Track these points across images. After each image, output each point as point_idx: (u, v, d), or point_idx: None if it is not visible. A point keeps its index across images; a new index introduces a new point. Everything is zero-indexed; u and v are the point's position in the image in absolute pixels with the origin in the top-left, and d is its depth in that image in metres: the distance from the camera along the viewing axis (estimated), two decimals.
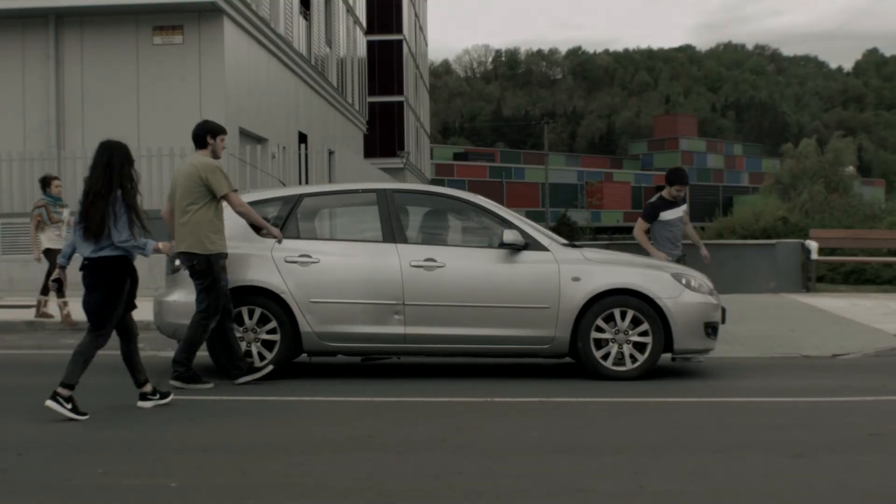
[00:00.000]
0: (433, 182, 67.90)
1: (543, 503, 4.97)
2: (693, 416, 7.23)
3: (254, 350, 8.71)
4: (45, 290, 13.12)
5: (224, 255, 8.35)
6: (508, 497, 5.04)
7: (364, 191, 9.30)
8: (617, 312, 8.66)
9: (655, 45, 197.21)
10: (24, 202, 18.17)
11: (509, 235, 8.71)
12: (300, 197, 9.18)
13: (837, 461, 5.83)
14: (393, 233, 8.84)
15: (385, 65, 47.65)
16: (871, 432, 6.64)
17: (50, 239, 13.15)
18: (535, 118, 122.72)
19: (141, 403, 7.53)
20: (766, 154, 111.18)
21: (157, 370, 9.52)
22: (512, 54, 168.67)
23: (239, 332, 8.68)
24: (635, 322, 8.66)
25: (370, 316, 8.67)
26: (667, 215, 10.57)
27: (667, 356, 8.99)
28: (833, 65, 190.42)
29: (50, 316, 13.09)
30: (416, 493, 5.11)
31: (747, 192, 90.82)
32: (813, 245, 18.88)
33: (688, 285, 8.81)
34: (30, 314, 13.55)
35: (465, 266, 8.75)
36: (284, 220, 8.95)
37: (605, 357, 8.67)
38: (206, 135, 8.70)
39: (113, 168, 7.22)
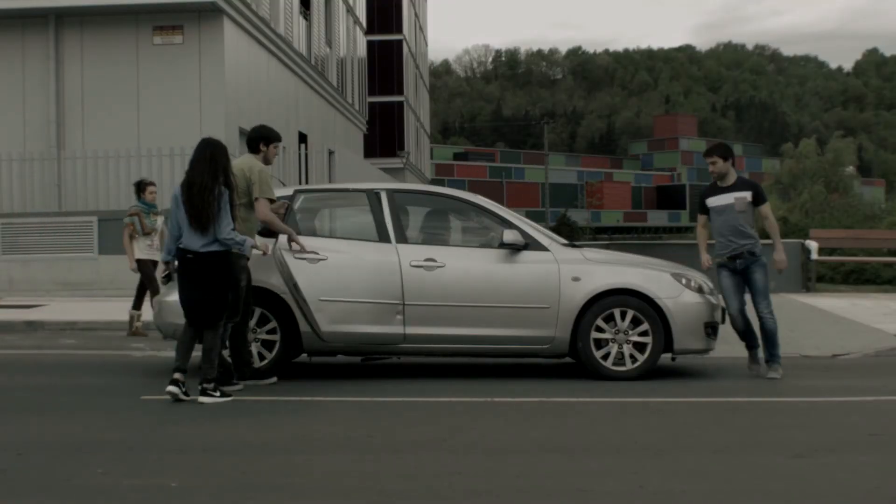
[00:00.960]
0: (433, 182, 67.92)
1: (543, 503, 4.97)
2: (693, 416, 7.23)
3: (254, 350, 8.71)
4: (137, 305, 12.28)
5: (245, 257, 8.26)
6: (508, 497, 5.04)
7: (362, 190, 9.24)
8: (617, 312, 8.66)
9: (655, 45, 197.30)
10: (24, 202, 18.18)
11: (509, 235, 8.71)
12: (297, 195, 9.17)
13: (837, 461, 5.83)
14: (393, 232, 8.84)
15: (385, 65, 47.65)
16: (871, 432, 6.64)
17: (141, 249, 12.11)
18: (535, 118, 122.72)
19: (203, 399, 7.66)
20: (766, 154, 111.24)
21: (157, 370, 9.53)
22: (512, 54, 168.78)
23: None
24: (635, 322, 8.66)
25: (370, 315, 8.65)
26: (713, 202, 9.31)
27: (667, 356, 8.98)
28: (833, 65, 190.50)
29: (143, 334, 12.08)
30: (416, 493, 5.11)
31: None
32: (813, 245, 18.89)
33: (688, 285, 8.81)
34: (29, 313, 13.55)
35: (465, 266, 8.74)
36: (283, 218, 8.93)
37: (605, 357, 8.66)
38: (260, 141, 8.66)
39: (217, 163, 7.65)
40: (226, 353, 8.38)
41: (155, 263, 11.84)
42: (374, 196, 9.02)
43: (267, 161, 8.69)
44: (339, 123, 31.84)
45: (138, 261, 12.09)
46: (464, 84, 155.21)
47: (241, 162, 8.57)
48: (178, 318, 8.85)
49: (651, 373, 8.71)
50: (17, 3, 18.56)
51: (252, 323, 8.70)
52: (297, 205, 9.06)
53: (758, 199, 9.14)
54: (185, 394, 7.63)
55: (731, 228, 9.01)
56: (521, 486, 5.23)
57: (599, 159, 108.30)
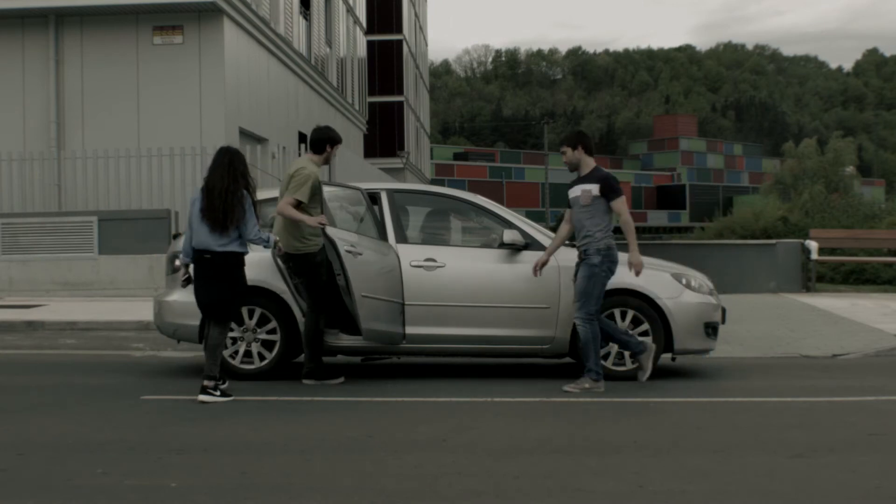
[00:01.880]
0: (433, 182, 67.91)
1: (543, 503, 4.97)
2: (693, 416, 7.23)
3: (254, 350, 8.71)
4: None
5: (314, 254, 8.30)
6: (508, 497, 5.04)
7: (363, 191, 9.21)
8: (617, 312, 8.66)
9: (655, 45, 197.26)
10: (24, 202, 18.19)
11: (509, 235, 8.71)
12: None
13: (837, 461, 5.83)
14: (393, 233, 8.84)
15: (385, 65, 47.66)
16: (871, 432, 6.65)
17: None
18: (535, 118, 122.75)
19: (202, 397, 7.72)
20: (766, 154, 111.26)
21: (157, 370, 9.53)
22: (512, 54, 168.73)
23: (238, 332, 8.68)
24: (635, 322, 8.66)
25: (390, 314, 8.62)
26: (570, 194, 8.62)
27: (667, 356, 8.98)
28: (833, 65, 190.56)
29: None
30: (416, 493, 5.11)
31: (747, 192, 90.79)
32: (813, 245, 18.88)
33: (688, 285, 8.81)
34: (29, 313, 13.55)
35: (465, 266, 8.74)
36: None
37: (606, 357, 8.66)
38: (326, 142, 8.63)
39: (236, 168, 7.85)
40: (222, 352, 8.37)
41: None
42: (376, 196, 9.02)
43: (326, 161, 8.68)
44: (339, 123, 31.84)
45: None
46: (464, 84, 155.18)
47: (296, 164, 8.57)
48: (178, 317, 8.87)
49: (651, 373, 8.71)
50: (17, 3, 18.56)
51: (252, 323, 8.70)
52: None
53: (606, 193, 8.39)
54: (225, 393, 7.81)
55: (578, 223, 8.46)
56: (521, 486, 5.23)
57: (599, 159, 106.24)
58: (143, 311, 13.70)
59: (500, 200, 11.83)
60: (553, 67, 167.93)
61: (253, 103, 20.83)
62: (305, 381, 8.47)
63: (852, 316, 13.69)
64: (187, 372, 9.36)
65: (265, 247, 8.07)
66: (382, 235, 8.84)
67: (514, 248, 8.73)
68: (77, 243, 16.42)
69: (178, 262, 8.70)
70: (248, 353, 8.71)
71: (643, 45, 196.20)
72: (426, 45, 63.93)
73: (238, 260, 7.86)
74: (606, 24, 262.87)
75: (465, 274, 8.70)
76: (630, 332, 8.64)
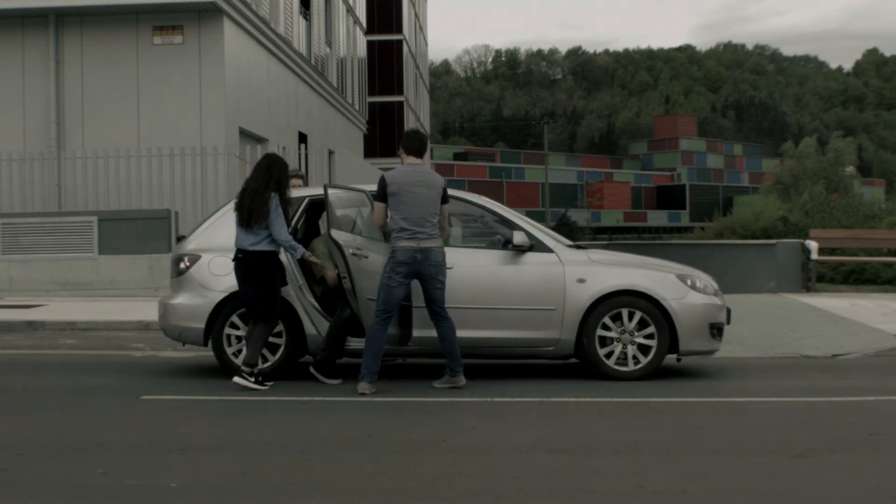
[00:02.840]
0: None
1: (543, 503, 4.97)
2: (693, 416, 7.23)
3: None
4: None
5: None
6: (508, 497, 5.04)
7: (367, 192, 9.17)
8: (622, 314, 8.64)
9: (655, 45, 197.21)
10: (24, 202, 18.19)
11: (515, 237, 8.68)
12: (304, 198, 9.15)
13: (837, 461, 5.83)
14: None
15: (385, 65, 47.66)
16: (871, 432, 6.65)
17: None
18: (535, 118, 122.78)
19: (236, 379, 8.18)
20: (766, 154, 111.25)
21: (157, 370, 9.53)
22: (512, 54, 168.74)
23: (244, 333, 8.68)
24: (641, 323, 8.64)
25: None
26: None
27: (672, 357, 8.98)
28: (833, 65, 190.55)
29: None
30: (416, 493, 5.11)
31: (747, 192, 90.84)
32: (813, 245, 18.87)
33: (693, 286, 8.80)
34: (29, 313, 13.56)
35: (471, 268, 8.72)
36: (290, 221, 8.92)
37: (611, 358, 8.65)
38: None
39: (272, 172, 8.29)
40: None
41: None
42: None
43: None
44: (339, 123, 31.85)
45: None
46: (464, 84, 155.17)
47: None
48: (183, 320, 8.86)
49: (655, 373, 8.71)
50: (17, 3, 18.56)
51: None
52: (305, 209, 9.06)
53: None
54: (260, 381, 8.19)
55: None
56: (521, 486, 5.23)
57: (599, 159, 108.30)
58: (143, 311, 13.70)
59: (500, 200, 11.82)
60: (553, 67, 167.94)
61: (253, 103, 20.83)
62: (312, 370, 8.55)
63: (852, 316, 13.69)
64: (187, 372, 9.36)
65: (293, 254, 8.40)
66: (388, 238, 8.82)
67: (520, 250, 8.70)
68: (77, 243, 16.41)
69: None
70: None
71: (643, 45, 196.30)
72: (426, 45, 63.93)
73: (267, 258, 8.21)
74: (606, 24, 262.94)
75: (471, 275, 8.67)
76: (635, 333, 8.63)
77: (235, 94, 19.43)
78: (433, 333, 8.46)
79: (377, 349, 8.07)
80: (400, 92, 48.51)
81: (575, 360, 9.03)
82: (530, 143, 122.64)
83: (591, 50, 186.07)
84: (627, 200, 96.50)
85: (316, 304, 8.68)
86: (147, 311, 13.67)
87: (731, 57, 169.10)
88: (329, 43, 29.93)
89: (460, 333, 8.54)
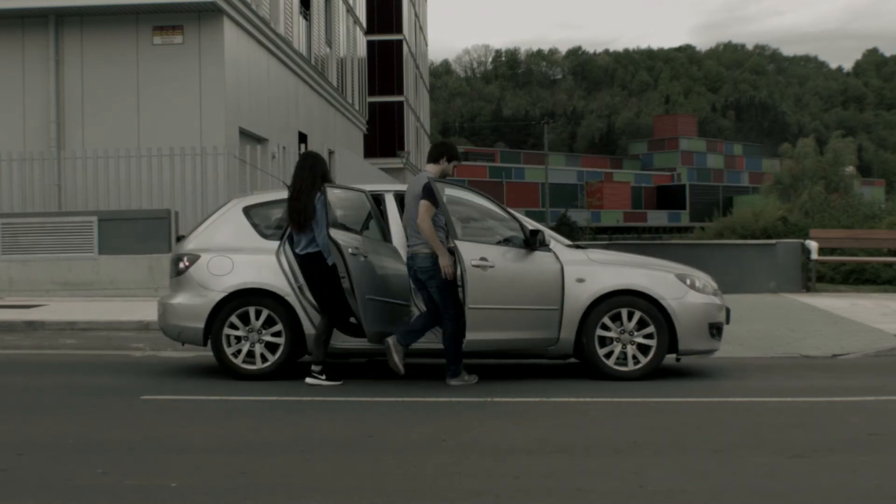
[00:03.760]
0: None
1: (543, 503, 4.97)
2: (693, 416, 7.23)
3: (257, 350, 8.70)
4: None
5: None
6: (508, 497, 5.04)
7: (370, 192, 9.17)
8: (622, 313, 8.63)
9: (655, 45, 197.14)
10: (24, 202, 18.19)
11: (521, 236, 8.65)
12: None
13: (837, 461, 5.83)
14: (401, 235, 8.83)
15: (385, 65, 47.67)
16: (871, 432, 6.64)
17: None
18: (535, 118, 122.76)
19: (309, 380, 8.45)
20: (766, 154, 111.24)
21: (157, 370, 9.53)
22: (512, 54, 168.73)
23: (243, 332, 8.68)
24: (640, 323, 8.63)
25: (392, 316, 8.61)
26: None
27: (671, 356, 8.98)
28: (833, 65, 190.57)
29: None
30: (416, 493, 5.11)
31: (747, 192, 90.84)
32: (813, 245, 18.87)
33: (692, 286, 8.79)
34: (29, 313, 13.55)
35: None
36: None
37: (611, 358, 8.65)
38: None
39: (315, 170, 8.47)
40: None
41: None
42: (379, 198, 9.02)
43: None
44: (339, 123, 31.85)
45: None
46: (464, 84, 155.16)
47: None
48: (182, 320, 8.86)
49: (654, 373, 8.71)
50: (17, 3, 18.56)
51: (258, 324, 8.69)
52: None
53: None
54: (331, 378, 8.48)
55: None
56: (521, 486, 5.23)
57: (599, 159, 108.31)
58: (143, 311, 13.71)
59: (500, 200, 11.79)
60: (553, 67, 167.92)
61: (253, 103, 20.83)
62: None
63: (852, 316, 13.69)
64: (187, 372, 9.36)
65: (326, 258, 8.46)
66: (388, 238, 8.83)
67: (530, 249, 8.65)
68: (77, 243, 16.41)
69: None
70: (251, 354, 8.70)
71: (643, 45, 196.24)
72: (426, 45, 63.94)
73: (313, 260, 8.44)
74: (606, 24, 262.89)
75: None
76: (634, 333, 8.63)
77: (235, 94, 19.43)
78: (436, 334, 8.51)
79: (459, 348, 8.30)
80: (400, 92, 48.52)
81: (574, 359, 9.03)
82: (530, 143, 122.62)
83: (591, 50, 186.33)
84: (627, 200, 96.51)
85: (316, 304, 8.68)
86: (147, 311, 13.67)
87: (731, 57, 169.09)
88: (329, 43, 29.93)
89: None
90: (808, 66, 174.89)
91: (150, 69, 18.63)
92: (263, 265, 8.73)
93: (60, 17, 18.81)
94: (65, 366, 9.95)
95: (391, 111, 47.89)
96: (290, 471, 5.57)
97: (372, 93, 43.50)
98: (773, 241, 21.56)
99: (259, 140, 21.16)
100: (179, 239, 9.58)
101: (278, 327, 8.68)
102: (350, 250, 8.26)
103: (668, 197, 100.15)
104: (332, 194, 8.64)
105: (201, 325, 8.73)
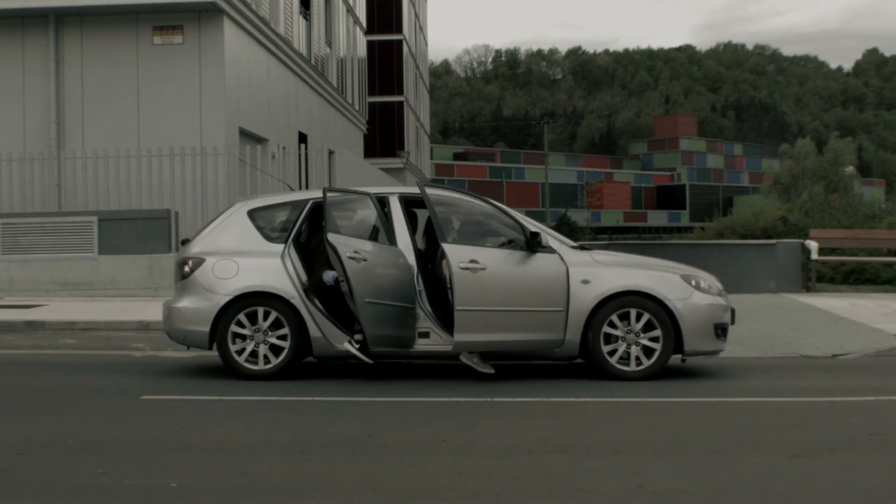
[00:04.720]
0: (433, 182, 67.87)
1: (543, 503, 4.97)
2: (693, 416, 7.23)
3: (261, 351, 8.71)
4: None
5: None
6: (508, 497, 5.04)
7: (375, 195, 9.16)
8: (627, 314, 8.64)
9: (655, 45, 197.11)
10: (24, 202, 18.19)
11: (523, 239, 8.66)
12: (308, 202, 9.15)
13: (837, 461, 5.83)
14: (409, 237, 8.85)
15: (385, 65, 47.65)
16: (871, 432, 6.65)
17: None
18: (535, 118, 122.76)
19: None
20: (766, 154, 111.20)
21: (157, 370, 9.53)
22: (512, 54, 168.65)
23: (248, 332, 8.69)
24: (645, 324, 8.65)
25: (397, 319, 8.61)
26: None
27: (677, 357, 8.98)
28: (833, 65, 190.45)
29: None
30: (416, 493, 5.11)
31: (747, 192, 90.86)
32: (813, 245, 18.86)
33: (697, 287, 8.80)
34: (29, 313, 13.55)
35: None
36: (294, 224, 8.95)
37: (617, 359, 8.66)
38: None
39: None
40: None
41: None
42: (384, 201, 9.03)
43: None
44: (339, 123, 31.85)
45: None
46: (464, 84, 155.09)
47: None
48: (188, 323, 8.87)
49: (660, 373, 8.71)
50: (17, 3, 18.55)
51: (265, 325, 8.70)
52: (308, 212, 9.05)
53: None
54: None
55: None
56: (521, 486, 5.23)
57: (599, 159, 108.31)
58: (143, 311, 13.71)
59: (500, 200, 11.79)
60: (553, 67, 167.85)
61: (253, 103, 20.83)
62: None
63: (852, 316, 13.69)
64: (187, 372, 9.36)
65: None
66: (393, 241, 8.83)
67: (531, 251, 8.67)
68: (77, 243, 16.41)
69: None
70: (254, 354, 8.71)
71: (643, 45, 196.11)
72: (426, 45, 63.94)
73: None
74: (606, 24, 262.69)
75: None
76: (640, 334, 8.64)
77: (235, 94, 19.43)
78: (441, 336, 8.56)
79: None
80: (400, 92, 48.51)
81: (580, 360, 9.04)
82: (530, 143, 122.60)
83: (591, 50, 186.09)
84: (627, 200, 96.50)
85: (321, 308, 8.68)
86: (147, 311, 13.67)
87: (731, 57, 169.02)
88: (329, 43, 29.93)
89: (467, 336, 8.57)
90: (808, 66, 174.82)
91: (150, 69, 18.62)
92: (268, 268, 8.74)
93: (60, 17, 18.80)
94: (65, 366, 9.95)
95: (391, 111, 47.88)
96: (290, 471, 5.57)
97: (372, 93, 43.49)
98: (773, 241, 21.57)
99: (259, 140, 21.16)
100: (184, 242, 9.57)
101: (284, 330, 8.69)
102: (348, 254, 8.26)
103: (668, 197, 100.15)
104: (335, 197, 8.65)
105: (207, 328, 8.74)
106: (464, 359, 8.60)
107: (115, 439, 6.40)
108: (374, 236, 8.83)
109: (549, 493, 5.12)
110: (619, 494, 5.09)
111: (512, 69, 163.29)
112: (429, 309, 8.70)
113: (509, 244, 8.67)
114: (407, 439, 6.44)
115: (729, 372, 9.40)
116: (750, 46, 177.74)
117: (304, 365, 9.71)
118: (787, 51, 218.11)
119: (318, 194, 9.25)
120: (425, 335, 8.73)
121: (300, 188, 19.68)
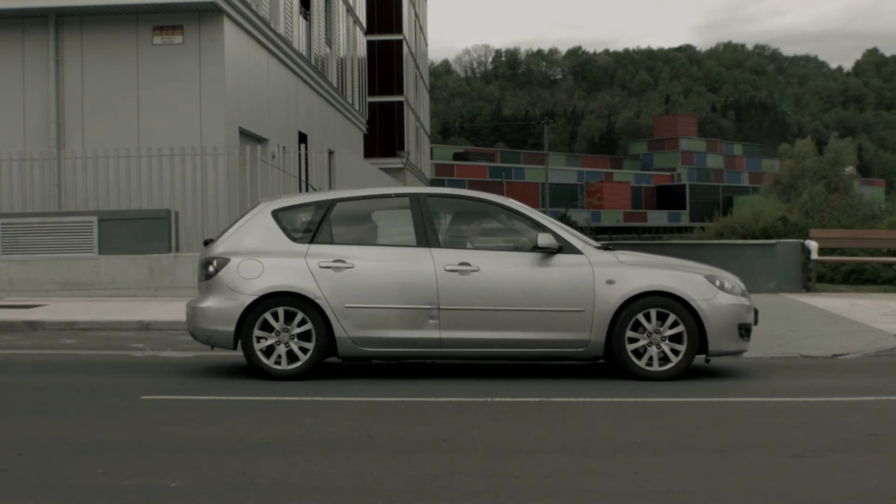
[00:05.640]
0: (433, 182, 67.98)
1: (543, 503, 4.97)
2: (693, 416, 7.23)
3: (286, 351, 8.70)
4: None
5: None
6: (508, 497, 5.04)
7: (397, 195, 9.27)
8: (652, 314, 8.66)
9: (655, 45, 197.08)
10: (24, 202, 18.18)
11: (544, 239, 8.71)
12: (333, 202, 9.19)
13: (837, 461, 5.83)
14: (427, 237, 8.86)
15: (385, 65, 47.67)
16: (871, 432, 6.65)
17: None
18: (535, 118, 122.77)
19: None
20: (766, 154, 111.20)
21: (157, 370, 9.54)
22: (512, 54, 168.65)
23: (273, 332, 8.71)
24: (670, 324, 8.67)
25: (405, 321, 8.68)
26: None
27: (700, 357, 8.98)
28: (833, 65, 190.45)
29: None
30: (416, 493, 5.11)
31: (747, 192, 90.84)
32: (813, 245, 18.86)
33: (721, 287, 8.82)
34: (29, 313, 13.55)
35: (499, 270, 8.75)
36: (318, 224, 8.97)
37: (641, 359, 8.67)
38: None
39: None
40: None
41: None
42: (408, 200, 9.07)
43: None
44: (339, 123, 31.85)
45: None
46: (464, 84, 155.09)
47: None
48: (212, 324, 8.87)
49: (685, 373, 8.72)
50: (17, 3, 18.55)
51: (290, 326, 8.71)
52: (333, 213, 9.08)
53: None
54: None
55: None
56: (521, 486, 5.23)
57: (599, 159, 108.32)
58: (143, 311, 13.71)
59: None
60: (553, 67, 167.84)
61: (253, 103, 20.83)
62: None
63: (852, 316, 13.69)
64: (187, 372, 9.36)
65: None
66: (417, 240, 8.85)
67: (548, 252, 8.73)
68: (77, 243, 16.41)
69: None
70: (279, 354, 8.72)
71: (643, 45, 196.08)
72: (426, 45, 63.94)
73: None
74: (606, 24, 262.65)
75: (500, 278, 8.72)
76: (665, 334, 8.66)
77: (235, 94, 19.43)
78: (463, 335, 8.65)
79: None
80: (400, 92, 48.52)
81: (602, 360, 9.08)
82: (530, 143, 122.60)
83: (591, 50, 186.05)
84: (627, 200, 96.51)
85: (352, 306, 8.70)
86: (147, 311, 13.68)
87: (731, 57, 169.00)
88: (329, 43, 29.93)
89: (489, 335, 8.65)
90: (808, 66, 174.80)
91: (150, 69, 18.62)
92: (293, 268, 8.75)
93: (60, 17, 18.80)
94: (65, 366, 9.95)
95: (391, 111, 47.90)
96: (290, 471, 5.57)
97: (372, 93, 43.50)
98: (773, 241, 21.56)
99: (259, 140, 21.16)
100: (206, 243, 9.57)
101: (309, 329, 8.70)
102: (321, 263, 8.60)
103: (668, 197, 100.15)
104: (355, 200, 8.86)
105: (232, 328, 8.74)
106: None
107: (115, 439, 6.40)
108: (396, 237, 8.90)
109: (549, 493, 5.12)
110: (619, 494, 5.09)
111: (512, 69, 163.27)
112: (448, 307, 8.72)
113: (535, 247, 8.74)
114: (407, 439, 6.44)
115: (729, 372, 9.40)
116: (750, 46, 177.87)
117: (332, 366, 9.71)
118: (787, 51, 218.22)
119: (342, 194, 9.44)
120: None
121: (301, 188, 19.68)
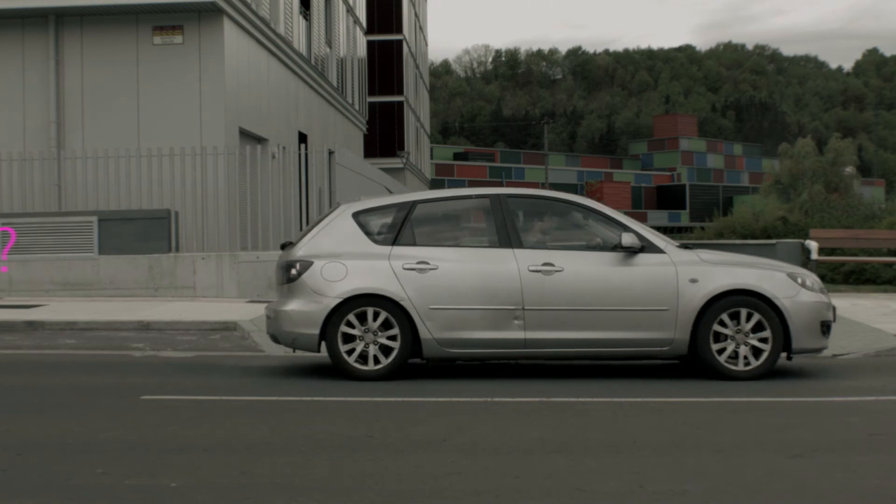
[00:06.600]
0: (433, 182, 67.98)
1: (543, 503, 4.97)
2: (693, 416, 7.23)
3: (371, 352, 8.73)
4: None
5: None
6: (508, 497, 5.04)
7: (478, 196, 9.31)
8: (737, 313, 8.69)
9: (655, 45, 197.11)
10: (24, 202, 18.18)
11: (627, 238, 8.75)
12: (414, 204, 9.20)
13: (837, 461, 5.83)
14: (509, 238, 8.89)
15: (385, 65, 47.68)
16: (871, 432, 6.65)
17: None
18: (535, 118, 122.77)
19: None
20: (766, 154, 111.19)
21: (157, 370, 9.54)
22: (512, 54, 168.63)
23: (359, 333, 8.72)
24: (754, 322, 8.69)
25: (489, 321, 8.71)
26: None
27: (783, 355, 8.98)
28: (833, 65, 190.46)
29: None
30: (416, 493, 5.11)
31: (747, 192, 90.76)
32: (813, 245, 18.85)
33: (803, 284, 8.85)
34: (29, 313, 13.55)
35: (582, 270, 8.78)
36: (400, 226, 8.99)
37: (726, 357, 8.71)
38: None
39: None
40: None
41: None
42: (489, 201, 9.11)
43: None
44: (339, 123, 31.85)
45: None
46: (464, 84, 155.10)
47: None
48: (297, 327, 8.87)
49: (770, 372, 8.75)
50: (17, 3, 18.55)
51: (375, 326, 8.73)
52: (413, 214, 9.09)
53: None
54: None
55: None
56: (521, 486, 5.23)
57: (599, 159, 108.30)
58: (143, 311, 13.71)
59: None
60: (553, 67, 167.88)
61: (253, 103, 20.83)
62: None
63: (852, 316, 13.68)
64: (187, 372, 9.36)
65: None
66: (500, 241, 8.90)
67: (631, 251, 8.77)
68: (77, 243, 16.41)
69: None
70: (364, 355, 8.74)
71: (643, 45, 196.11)
72: (426, 45, 63.95)
73: None
74: (607, 24, 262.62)
75: (584, 278, 8.75)
76: (749, 333, 8.68)
77: (235, 94, 19.43)
78: (547, 335, 8.70)
79: None
80: (400, 92, 48.53)
81: (688, 360, 9.14)
82: (530, 143, 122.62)
83: (591, 50, 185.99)
84: (627, 200, 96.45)
85: (436, 307, 8.73)
86: (147, 310, 13.68)
87: (731, 57, 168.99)
88: (329, 43, 29.93)
89: (573, 335, 8.70)
90: (808, 66, 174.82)
91: (149, 69, 18.63)
92: (377, 270, 8.77)
93: (60, 17, 18.81)
94: (65, 366, 9.95)
95: (391, 111, 47.91)
96: (290, 471, 5.57)
97: (372, 93, 43.52)
98: (773, 241, 21.55)
99: (259, 140, 21.16)
100: (284, 246, 9.60)
101: (394, 331, 8.71)
102: (405, 265, 8.67)
103: (668, 197, 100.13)
104: (441, 196, 9.23)
105: (316, 331, 8.76)
106: None
107: (115, 439, 6.40)
108: (479, 238, 8.99)
109: (549, 493, 5.12)
110: (619, 494, 5.09)
111: (512, 69, 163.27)
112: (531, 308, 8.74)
113: (617, 246, 8.81)
114: (407, 439, 6.44)
115: None
116: (750, 46, 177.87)
117: (306, 366, 9.71)
118: (788, 51, 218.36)
119: (423, 195, 9.56)
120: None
121: (301, 188, 19.68)
